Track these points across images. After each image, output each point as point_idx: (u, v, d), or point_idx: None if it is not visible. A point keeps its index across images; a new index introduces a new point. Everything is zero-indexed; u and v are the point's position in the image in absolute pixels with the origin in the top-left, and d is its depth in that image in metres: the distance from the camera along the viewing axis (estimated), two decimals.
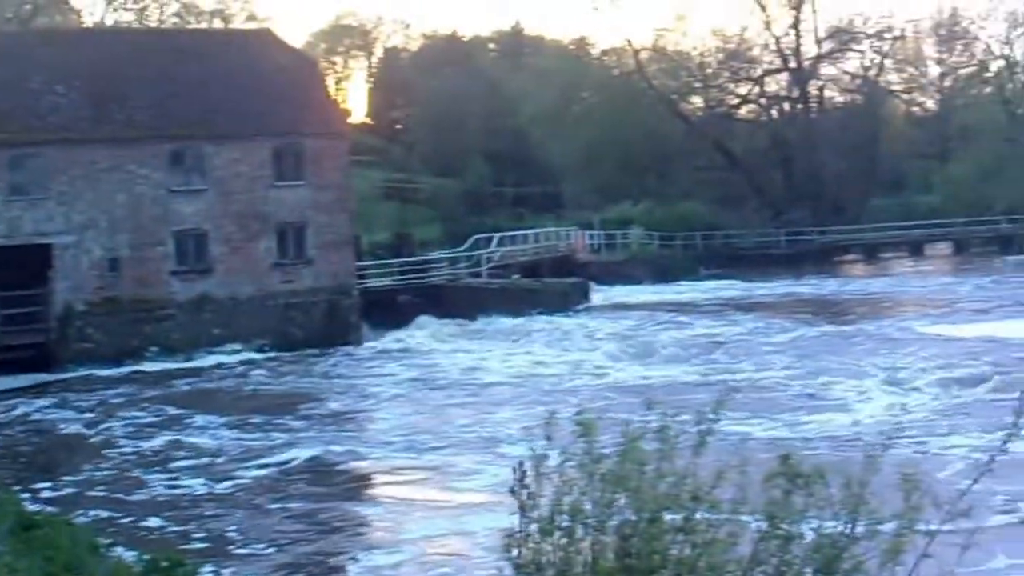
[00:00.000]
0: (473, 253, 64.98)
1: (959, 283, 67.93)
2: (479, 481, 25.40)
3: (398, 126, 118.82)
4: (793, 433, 27.60)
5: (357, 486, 27.77)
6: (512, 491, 6.05)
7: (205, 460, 30.07)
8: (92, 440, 34.07)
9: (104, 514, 24.39)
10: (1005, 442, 5.92)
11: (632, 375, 39.33)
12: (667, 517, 5.96)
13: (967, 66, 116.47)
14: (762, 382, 36.08)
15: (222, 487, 27.09)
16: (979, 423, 26.58)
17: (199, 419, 35.98)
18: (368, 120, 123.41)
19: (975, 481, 6.00)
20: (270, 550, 22.14)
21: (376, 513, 25.03)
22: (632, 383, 36.63)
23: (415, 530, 22.69)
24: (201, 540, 22.81)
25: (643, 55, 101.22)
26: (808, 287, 71.63)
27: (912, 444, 25.25)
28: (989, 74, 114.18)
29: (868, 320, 51.86)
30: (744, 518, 6.02)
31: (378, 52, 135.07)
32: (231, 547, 22.36)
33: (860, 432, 26.41)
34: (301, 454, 30.05)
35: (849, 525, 5.78)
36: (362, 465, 29.43)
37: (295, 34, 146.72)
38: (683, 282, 75.25)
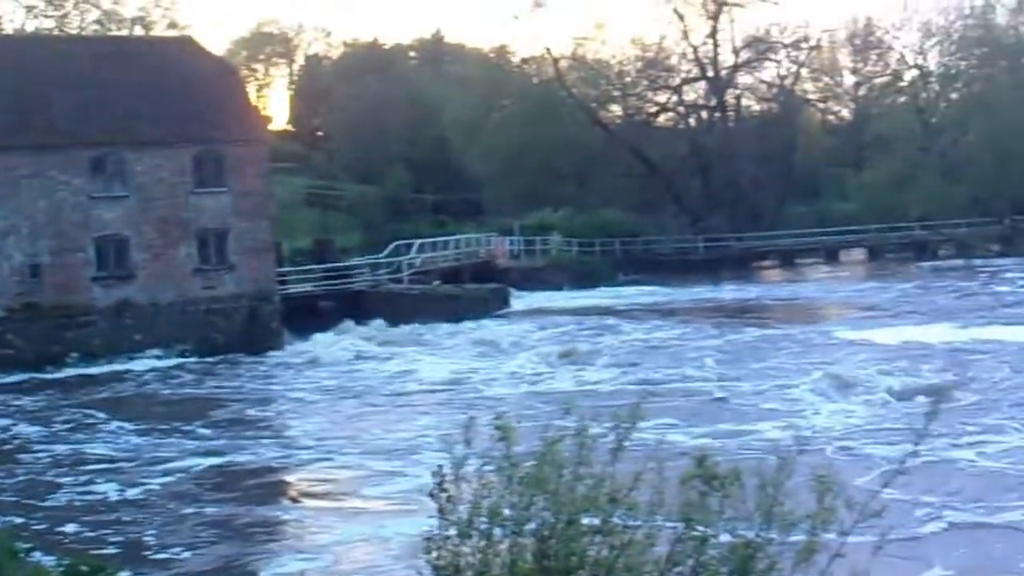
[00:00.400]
0: (394, 259, 64.92)
1: (879, 288, 68.40)
2: (394, 487, 25.36)
3: (319, 133, 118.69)
4: (735, 441, 27.57)
5: (271, 492, 27.55)
6: (431, 494, 6.04)
7: (120, 465, 29.85)
8: (6, 446, 33.76)
9: (18, 520, 24.15)
10: (915, 445, 5.97)
11: (565, 382, 39.25)
12: (585, 519, 5.96)
13: (882, 75, 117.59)
14: (703, 388, 36.16)
15: (136, 492, 26.90)
16: (909, 429, 26.81)
17: (115, 425, 35.74)
18: (289, 127, 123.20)
19: (886, 484, 6.04)
20: (186, 554, 22.01)
21: (291, 519, 24.92)
22: (564, 390, 36.58)
23: (330, 536, 22.62)
24: (117, 545, 22.65)
25: (563, 63, 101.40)
26: (728, 292, 72.11)
27: (843, 450, 25.52)
28: (903, 83, 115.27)
29: (793, 325, 52.07)
30: (661, 520, 6.03)
31: (299, 60, 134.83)
32: (147, 552, 22.22)
33: (808, 437, 26.66)
34: (216, 459, 29.91)
35: (764, 527, 5.80)
36: (277, 471, 29.32)
37: (216, 41, 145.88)
38: (602, 288, 75.47)
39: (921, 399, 29.69)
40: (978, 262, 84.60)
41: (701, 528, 5.81)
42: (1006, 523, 20.56)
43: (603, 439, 6.27)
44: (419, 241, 69.00)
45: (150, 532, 23.47)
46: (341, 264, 65.44)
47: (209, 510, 25.18)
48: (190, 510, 25.14)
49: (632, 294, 72.45)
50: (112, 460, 30.47)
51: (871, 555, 6.03)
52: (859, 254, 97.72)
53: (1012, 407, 29.79)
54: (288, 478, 29.02)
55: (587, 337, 50.99)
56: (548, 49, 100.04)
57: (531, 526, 6.00)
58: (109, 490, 27.20)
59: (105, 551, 21.67)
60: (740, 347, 45.28)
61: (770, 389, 35.08)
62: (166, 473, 28.70)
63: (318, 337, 53.60)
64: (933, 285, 67.97)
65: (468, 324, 55.72)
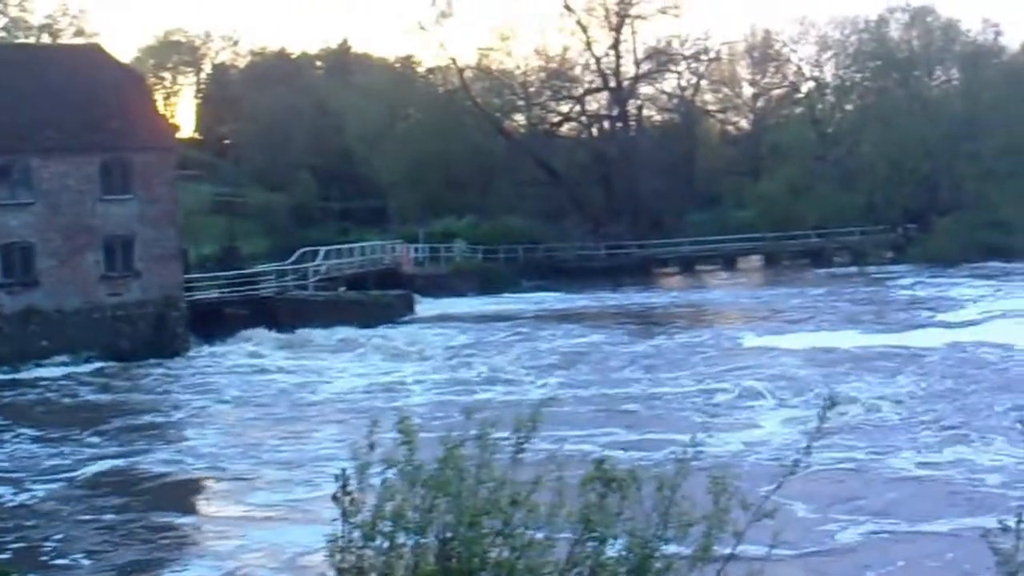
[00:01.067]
0: (300, 266, 64.61)
1: (782, 294, 68.92)
2: (293, 495, 25.21)
3: (226, 141, 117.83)
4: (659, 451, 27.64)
5: (169, 499, 27.18)
6: (335, 498, 6.05)
7: (17, 472, 29.48)
8: None
9: None
10: (807, 447, 6.05)
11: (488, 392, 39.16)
12: (487, 522, 5.99)
13: (779, 87, 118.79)
14: (630, 394, 36.21)
15: (34, 498, 26.60)
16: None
17: (17, 430, 35.28)
18: (197, 135, 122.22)
19: (778, 486, 6.12)
20: (85, 561, 21.80)
21: (188, 525, 24.70)
22: (478, 398, 36.54)
23: (229, 543, 22.47)
24: (14, 551, 22.39)
25: (467, 74, 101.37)
26: (634, 298, 72.31)
27: (761, 454, 25.71)
28: (800, 95, 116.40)
29: (704, 331, 52.08)
30: (561, 522, 6.08)
31: (207, 68, 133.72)
32: (45, 557, 21.99)
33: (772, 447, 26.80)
34: (114, 465, 29.61)
35: (660, 527, 5.86)
36: (177, 478, 28.93)
37: (124, 49, 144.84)
38: (506, 294, 75.53)
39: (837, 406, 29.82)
40: (872, 269, 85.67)
41: (600, 530, 5.86)
42: (925, 531, 20.81)
43: (506, 443, 6.32)
44: (325, 248, 68.67)
45: (48, 538, 23.23)
46: (248, 271, 65.02)
47: (107, 516, 24.95)
48: (88, 516, 24.89)
49: (536, 300, 72.53)
50: (10, 467, 30.08)
51: (765, 558, 6.11)
52: (756, 261, 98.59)
53: (927, 417, 30.10)
54: (187, 486, 28.67)
55: (502, 344, 50.87)
56: (453, 59, 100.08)
57: (434, 529, 6.03)
58: (6, 495, 26.88)
59: (3, 556, 21.43)
60: (662, 353, 45.18)
61: (696, 394, 35.20)
62: (64, 479, 28.39)
63: (224, 343, 53.33)
64: (832, 292, 68.58)
65: (373, 330, 55.57)
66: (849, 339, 45.47)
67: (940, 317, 52.83)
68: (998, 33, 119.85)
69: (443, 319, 61.56)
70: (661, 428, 30.14)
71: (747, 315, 59.23)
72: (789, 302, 63.27)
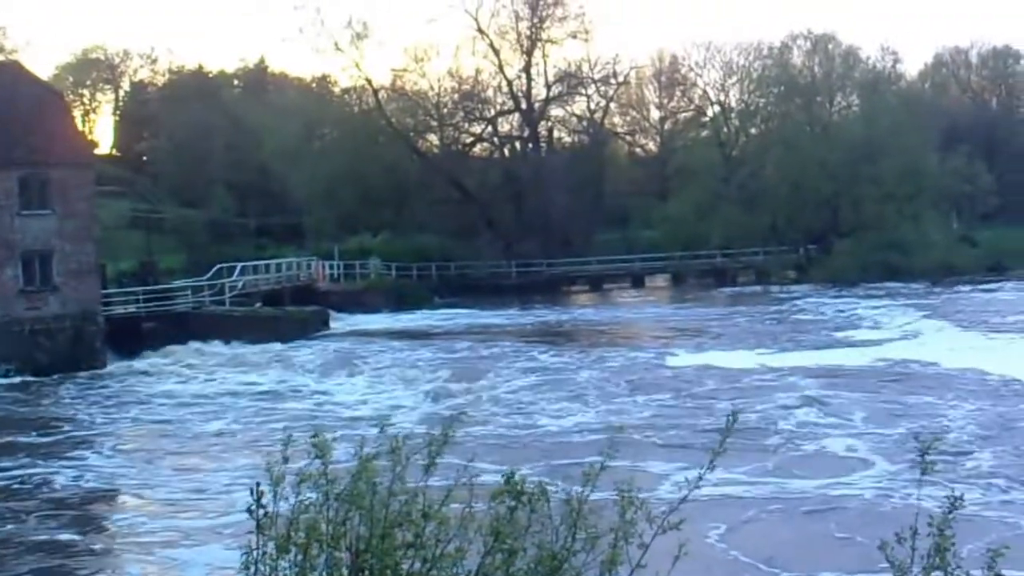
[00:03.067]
0: (217, 282, 64.19)
1: (696, 313, 69.11)
2: (201, 510, 24.86)
3: (144, 158, 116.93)
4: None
5: (71, 515, 26.33)
6: (249, 511, 6.03)
7: None
8: None
9: None
10: (711, 461, 6.10)
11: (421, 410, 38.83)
12: (399, 533, 6.00)
13: (686, 111, 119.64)
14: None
15: None
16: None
17: None
18: (115, 151, 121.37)
19: (683, 499, 6.16)
20: None
21: (86, 542, 24.07)
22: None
23: (130, 560, 22.14)
24: None
25: (382, 94, 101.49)
26: (548, 315, 72.37)
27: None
28: (706, 118, 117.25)
29: (630, 350, 50.73)
30: (471, 534, 6.09)
31: (125, 85, 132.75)
32: None
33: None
34: (16, 478, 29.12)
35: (569, 539, 5.89)
36: (82, 493, 28.18)
37: (43, 66, 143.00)
38: (419, 311, 75.48)
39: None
40: (775, 288, 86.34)
41: (509, 542, 5.88)
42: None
43: (415, 455, 6.33)
44: (241, 264, 68.35)
45: None
46: (164, 286, 64.52)
47: (4, 529, 24.46)
48: None
49: (449, 316, 72.50)
50: None
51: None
52: (663, 280, 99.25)
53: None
54: (92, 501, 27.95)
55: (422, 359, 50.59)
56: (368, 80, 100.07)
57: (346, 541, 6.03)
58: None
59: None
60: (605, 374, 43.87)
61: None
62: None
63: (141, 358, 52.90)
64: (741, 311, 68.96)
65: (288, 345, 55.27)
66: (768, 358, 45.22)
67: (853, 335, 53.12)
68: (896, 60, 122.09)
69: (357, 335, 61.34)
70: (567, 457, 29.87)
71: (671, 333, 58.87)
72: (705, 321, 63.25)
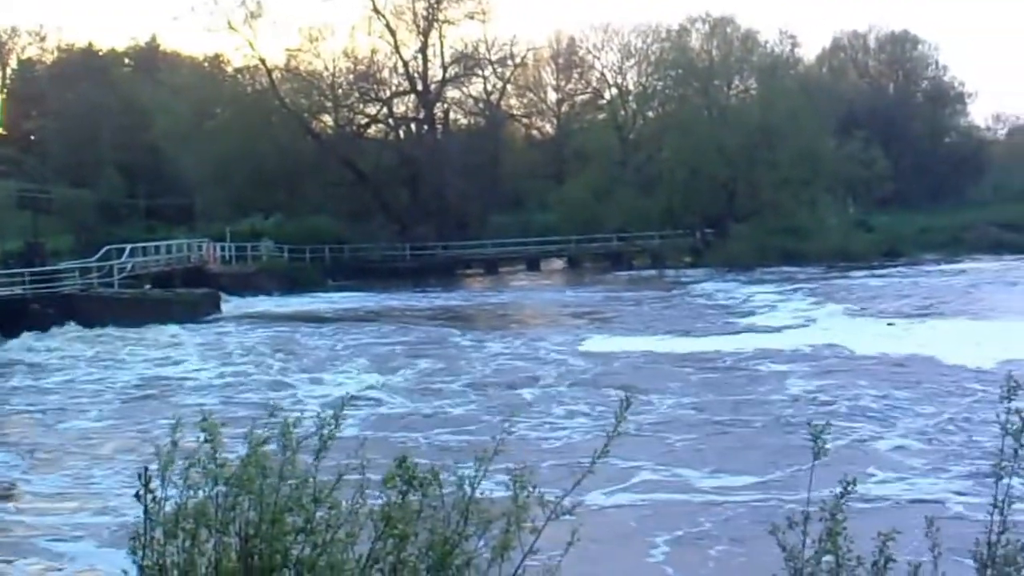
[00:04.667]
0: (105, 263, 63.46)
1: (595, 297, 69.05)
2: (82, 502, 24.38)
3: (32, 137, 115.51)
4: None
5: None
6: (137, 496, 5.97)
7: None
8: None
9: None
10: (605, 445, 6.11)
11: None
12: (289, 518, 5.97)
13: (583, 93, 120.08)
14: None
15: None
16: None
17: None
18: (1, 131, 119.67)
19: (578, 482, 6.18)
20: None
21: None
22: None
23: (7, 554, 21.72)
24: None
25: (276, 74, 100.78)
26: (442, 299, 72.13)
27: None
28: (603, 101, 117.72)
29: (539, 334, 49.97)
30: (363, 518, 6.07)
31: (12, 63, 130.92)
32: None
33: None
34: None
35: (461, 524, 5.89)
36: None
37: None
38: (312, 293, 75.06)
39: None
40: (671, 272, 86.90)
41: (401, 527, 5.87)
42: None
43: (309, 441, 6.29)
44: (131, 245, 67.63)
45: None
46: (52, 267, 63.67)
47: None
48: None
49: (343, 299, 72.09)
50: None
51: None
52: (559, 263, 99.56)
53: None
54: None
55: (310, 343, 50.24)
56: (262, 59, 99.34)
57: (236, 526, 5.99)
58: None
59: None
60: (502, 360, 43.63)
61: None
62: None
63: (26, 340, 52.14)
64: (639, 295, 69.02)
65: (179, 328, 54.76)
66: (675, 344, 45.12)
67: (753, 321, 53.33)
68: (795, 44, 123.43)
69: (249, 317, 60.89)
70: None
71: (568, 317, 58.58)
72: (607, 305, 63.03)
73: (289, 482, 6.05)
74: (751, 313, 57.28)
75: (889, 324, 49.13)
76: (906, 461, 23.15)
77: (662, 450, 24.84)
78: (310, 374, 40.52)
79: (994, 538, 5.30)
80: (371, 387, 36.06)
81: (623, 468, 21.58)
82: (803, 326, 50.16)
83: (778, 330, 48.62)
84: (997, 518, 5.35)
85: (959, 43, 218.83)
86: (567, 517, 5.99)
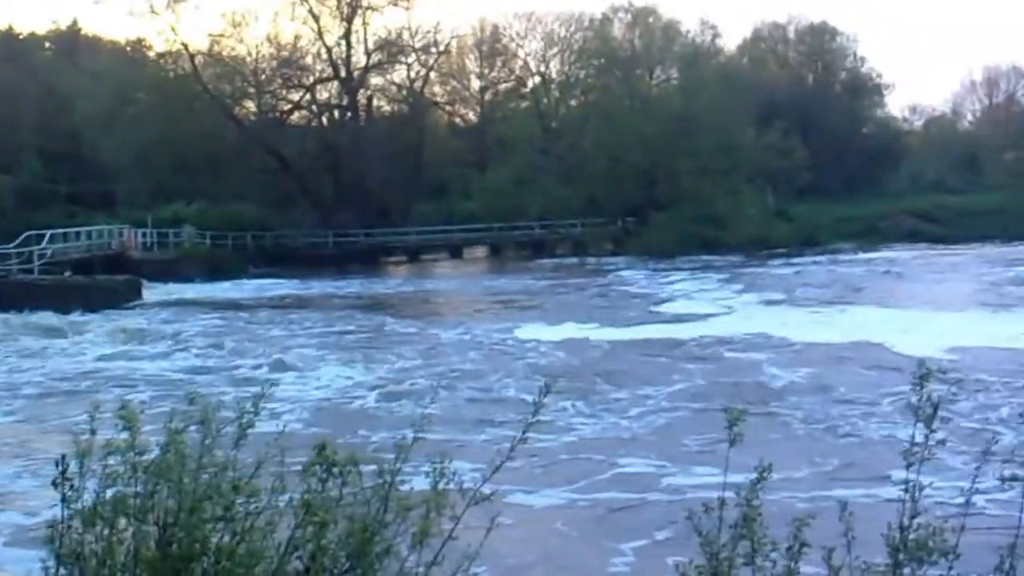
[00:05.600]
0: (24, 249, 62.82)
1: (521, 284, 68.92)
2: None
3: None
4: None
5: None
6: (54, 483, 5.93)
7: None
8: None
9: None
10: (524, 431, 6.14)
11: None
12: (208, 507, 5.95)
13: (506, 81, 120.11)
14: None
15: None
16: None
17: None
18: None
19: (498, 468, 6.20)
20: None
21: None
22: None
23: None
24: None
25: (199, 59, 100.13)
26: (373, 286, 71.85)
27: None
28: (526, 89, 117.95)
29: (471, 322, 49.36)
30: (282, 506, 6.06)
31: None
32: None
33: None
34: None
35: (381, 510, 5.89)
36: None
37: None
38: (234, 280, 74.61)
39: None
40: (593, 260, 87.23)
41: (320, 514, 5.87)
42: None
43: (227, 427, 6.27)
44: (51, 231, 66.97)
45: None
46: None
47: None
48: None
49: (267, 286, 71.60)
50: None
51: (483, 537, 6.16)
52: (481, 251, 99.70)
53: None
54: None
55: (234, 329, 49.87)
56: (184, 44, 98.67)
57: (155, 514, 5.96)
58: None
59: None
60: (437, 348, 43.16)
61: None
62: None
63: None
64: (564, 283, 68.97)
65: (100, 314, 54.22)
66: (614, 333, 44.87)
67: (677, 309, 53.34)
68: (716, 34, 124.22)
69: (171, 304, 60.44)
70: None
71: (497, 305, 58.19)
72: (533, 294, 62.74)
73: (209, 470, 6.04)
74: (673, 300, 57.53)
75: (813, 312, 49.51)
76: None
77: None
78: (281, 371, 39.65)
79: (906, 522, 5.37)
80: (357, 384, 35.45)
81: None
82: (726, 314, 50.36)
83: (704, 318, 48.75)
84: (909, 503, 5.41)
85: (877, 35, 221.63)
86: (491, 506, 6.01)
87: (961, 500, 5.65)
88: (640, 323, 47.72)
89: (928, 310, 49.08)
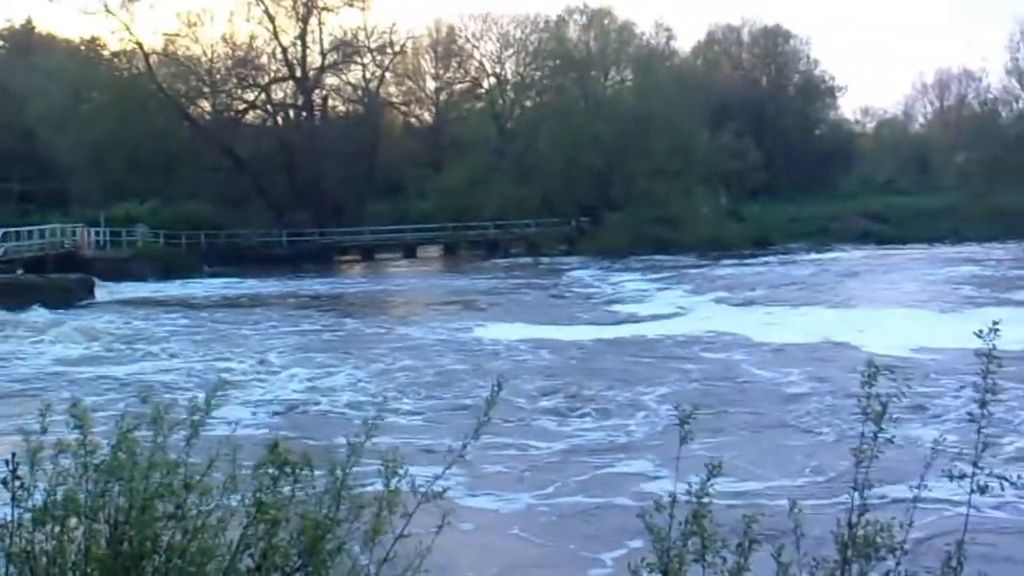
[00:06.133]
0: None
1: (478, 284, 68.74)
2: None
3: None
4: None
5: None
6: (4, 482, 5.90)
7: None
8: None
9: None
10: (476, 430, 6.15)
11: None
12: (159, 505, 5.93)
13: (461, 82, 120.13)
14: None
15: None
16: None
17: None
18: None
19: (451, 464, 6.20)
20: None
21: None
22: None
23: None
24: None
25: (153, 58, 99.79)
26: (330, 286, 71.60)
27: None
28: (481, 90, 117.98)
29: (434, 323, 49.23)
30: (234, 504, 6.05)
31: None
32: None
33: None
34: None
35: (332, 509, 5.89)
36: None
37: None
38: (188, 279, 74.33)
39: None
40: (547, 260, 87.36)
41: (273, 512, 5.85)
42: None
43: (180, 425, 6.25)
44: (3, 230, 66.53)
45: None
46: None
47: None
48: None
49: (221, 286, 71.25)
50: None
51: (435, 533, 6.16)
52: (435, 251, 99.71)
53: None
54: None
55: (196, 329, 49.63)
56: (139, 43, 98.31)
57: (106, 513, 5.94)
58: None
59: None
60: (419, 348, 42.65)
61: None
62: None
63: None
64: (521, 283, 68.86)
65: (52, 313, 53.81)
66: (578, 332, 44.57)
67: (634, 309, 53.17)
68: (670, 36, 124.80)
69: (123, 303, 60.11)
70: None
71: (454, 305, 57.78)
72: (490, 295, 62.38)
73: (160, 468, 6.01)
74: (631, 301, 57.44)
75: (768, 313, 49.63)
76: None
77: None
78: (237, 372, 39.48)
79: (854, 519, 5.41)
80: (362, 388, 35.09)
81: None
82: (682, 315, 50.26)
83: (665, 318, 48.66)
84: (858, 500, 5.45)
85: (830, 38, 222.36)
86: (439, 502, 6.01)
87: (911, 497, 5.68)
88: (604, 323, 47.54)
89: (889, 308, 49.35)
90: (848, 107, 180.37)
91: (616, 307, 54.71)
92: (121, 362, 39.52)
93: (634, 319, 48.87)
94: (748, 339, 40.54)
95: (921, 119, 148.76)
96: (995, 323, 5.63)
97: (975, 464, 5.49)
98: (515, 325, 46.79)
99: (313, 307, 58.04)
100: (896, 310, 48.34)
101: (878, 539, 5.35)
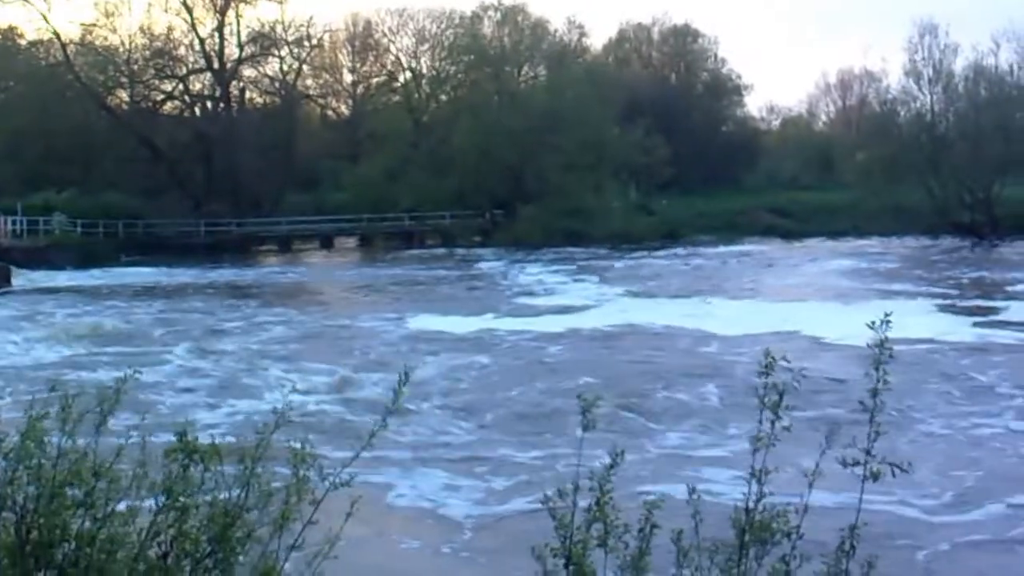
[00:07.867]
0: None
1: (397, 274, 68.43)
2: None
3: None
4: None
5: None
6: None
7: None
8: None
9: None
10: (383, 419, 6.14)
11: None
12: (69, 492, 5.86)
13: (378, 76, 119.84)
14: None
15: None
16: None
17: None
18: None
19: (361, 450, 6.20)
20: None
21: None
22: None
23: None
24: None
25: (71, 48, 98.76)
26: (247, 274, 71.29)
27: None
28: (397, 84, 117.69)
29: (353, 312, 48.55)
30: (145, 492, 6.00)
31: None
32: None
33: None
34: None
35: (242, 496, 5.85)
36: None
37: None
38: (106, 268, 73.62)
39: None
40: (462, 251, 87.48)
41: (183, 499, 5.81)
42: None
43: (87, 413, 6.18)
44: None
45: None
46: None
47: None
48: None
49: (139, 274, 70.55)
50: None
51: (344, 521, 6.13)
52: (352, 242, 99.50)
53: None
54: None
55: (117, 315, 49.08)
56: (57, 33, 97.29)
57: (14, 501, 5.86)
58: None
59: None
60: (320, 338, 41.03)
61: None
62: None
63: None
64: (438, 273, 68.72)
65: None
66: (513, 323, 44.26)
67: (550, 301, 52.93)
68: (583, 34, 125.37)
69: (40, 292, 59.46)
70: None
71: (383, 296, 57.44)
72: (409, 286, 61.85)
73: (69, 456, 5.94)
74: (544, 293, 57.32)
75: (707, 303, 49.89)
76: None
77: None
78: (152, 360, 39.27)
79: (752, 505, 5.46)
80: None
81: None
82: (598, 306, 50.34)
83: (582, 310, 48.66)
84: (755, 487, 5.49)
85: (737, 38, 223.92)
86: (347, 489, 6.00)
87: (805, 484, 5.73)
88: (535, 314, 47.22)
89: (804, 300, 49.96)
90: (754, 105, 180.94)
91: (534, 298, 54.47)
92: (19, 353, 38.83)
93: (559, 310, 48.67)
94: (666, 328, 40.82)
95: (824, 117, 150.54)
96: (887, 315, 5.70)
97: (868, 452, 5.55)
98: (450, 317, 46.43)
99: (232, 296, 57.59)
100: (827, 302, 49.05)
101: (773, 524, 5.40)
